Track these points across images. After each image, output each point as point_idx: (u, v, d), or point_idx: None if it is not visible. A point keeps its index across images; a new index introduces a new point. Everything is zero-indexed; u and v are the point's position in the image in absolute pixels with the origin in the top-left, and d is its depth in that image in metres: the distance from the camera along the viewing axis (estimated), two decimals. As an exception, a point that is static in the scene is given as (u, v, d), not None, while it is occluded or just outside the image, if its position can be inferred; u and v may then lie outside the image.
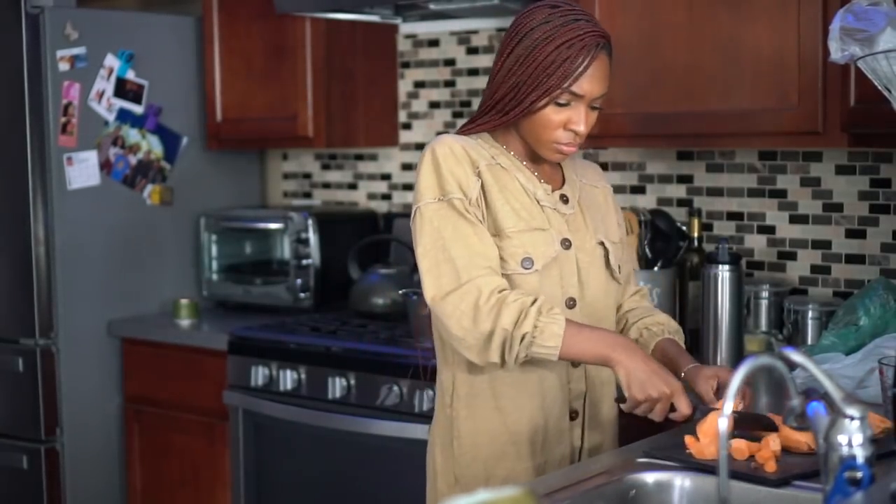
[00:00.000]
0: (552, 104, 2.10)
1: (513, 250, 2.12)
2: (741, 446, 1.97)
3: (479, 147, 2.18)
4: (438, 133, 3.84)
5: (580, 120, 2.11)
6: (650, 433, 2.19)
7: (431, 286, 2.09)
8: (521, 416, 2.17)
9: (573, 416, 2.22)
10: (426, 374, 2.34)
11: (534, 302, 2.05)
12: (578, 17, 2.12)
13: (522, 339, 2.03)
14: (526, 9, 2.17)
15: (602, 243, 2.24)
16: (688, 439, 2.00)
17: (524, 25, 2.13)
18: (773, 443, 1.98)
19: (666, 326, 2.30)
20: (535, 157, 2.22)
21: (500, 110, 2.16)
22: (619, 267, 2.28)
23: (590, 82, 2.10)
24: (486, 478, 2.18)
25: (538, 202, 2.18)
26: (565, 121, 2.12)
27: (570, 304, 2.18)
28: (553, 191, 2.21)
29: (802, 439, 2.00)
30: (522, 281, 2.12)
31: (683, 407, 2.05)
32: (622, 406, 2.10)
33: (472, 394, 2.18)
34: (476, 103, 3.74)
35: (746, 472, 1.91)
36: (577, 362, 2.17)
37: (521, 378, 2.16)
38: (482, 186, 2.13)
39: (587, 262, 2.21)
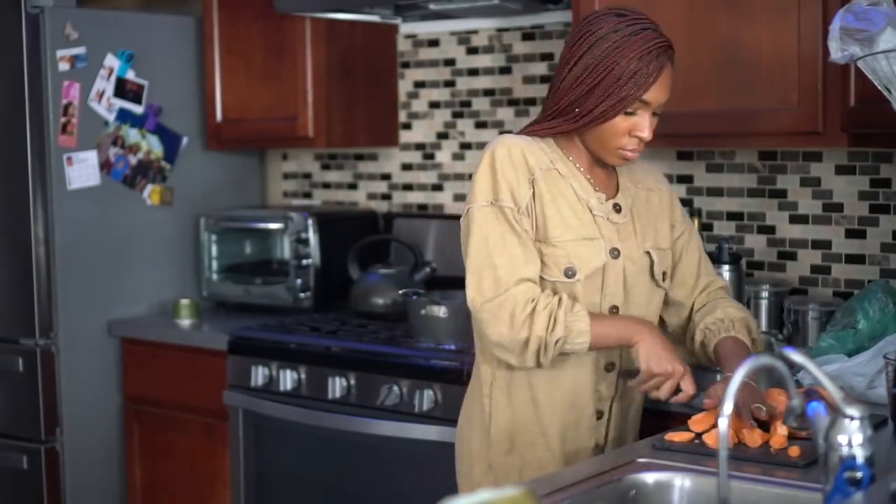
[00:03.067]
0: (621, 113, 2.17)
1: (557, 259, 2.21)
2: (753, 435, 2.01)
3: (539, 150, 2.24)
4: (438, 133, 3.84)
5: (646, 126, 2.20)
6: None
7: (473, 290, 2.20)
8: (554, 409, 2.27)
9: (598, 415, 2.31)
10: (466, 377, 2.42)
11: (559, 303, 2.16)
12: (646, 27, 2.19)
13: (556, 342, 2.16)
14: (590, 15, 2.23)
15: (648, 253, 2.31)
16: (692, 421, 2.09)
17: (592, 34, 2.18)
18: (780, 428, 2.05)
19: (725, 321, 2.35)
20: (593, 164, 2.29)
21: (569, 118, 2.21)
22: (665, 273, 2.35)
23: (658, 90, 2.17)
24: (521, 466, 2.29)
25: (590, 211, 2.25)
26: (631, 127, 2.19)
27: (613, 311, 2.27)
28: (607, 199, 2.28)
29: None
30: (565, 288, 2.22)
31: (688, 387, 2.19)
32: (630, 381, 2.24)
33: (511, 385, 2.28)
34: (476, 103, 3.74)
35: (771, 459, 1.96)
36: (607, 349, 2.26)
37: (555, 374, 2.26)
38: (534, 194, 2.20)
39: (633, 272, 2.29)
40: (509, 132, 2.30)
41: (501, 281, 2.17)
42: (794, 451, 1.99)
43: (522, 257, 2.18)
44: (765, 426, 2.09)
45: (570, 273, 2.20)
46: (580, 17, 3.03)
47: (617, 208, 2.29)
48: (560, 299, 2.17)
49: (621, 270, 2.26)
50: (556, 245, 2.20)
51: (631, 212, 2.31)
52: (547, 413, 2.27)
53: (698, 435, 2.09)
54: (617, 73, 2.14)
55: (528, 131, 2.28)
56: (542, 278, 2.21)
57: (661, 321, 2.42)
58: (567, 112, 2.21)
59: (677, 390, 2.20)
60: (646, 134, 2.19)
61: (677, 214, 2.41)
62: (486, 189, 2.20)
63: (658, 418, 2.39)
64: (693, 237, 2.43)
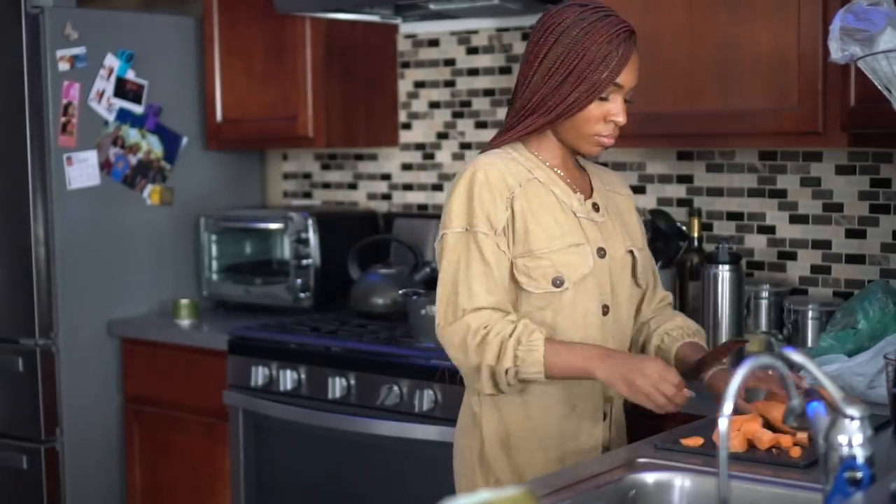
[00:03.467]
0: (596, 99, 2.18)
1: (544, 270, 2.21)
2: (763, 436, 2.01)
3: (515, 164, 2.24)
4: (438, 133, 3.84)
5: (619, 111, 2.21)
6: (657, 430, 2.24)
7: (439, 314, 2.23)
8: (551, 421, 2.26)
9: (604, 416, 2.31)
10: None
11: (512, 332, 2.15)
12: (608, 13, 2.21)
13: (506, 372, 2.15)
14: (552, 10, 2.24)
15: (631, 251, 2.32)
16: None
17: (557, 25, 2.20)
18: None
19: (685, 329, 2.37)
20: (566, 161, 2.29)
21: (543, 112, 2.21)
22: (642, 275, 2.36)
23: (629, 73, 2.20)
24: (517, 472, 2.27)
25: (574, 214, 2.25)
26: (605, 113, 2.20)
27: (605, 311, 2.27)
28: (585, 200, 2.29)
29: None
30: (554, 299, 2.21)
31: (671, 377, 2.10)
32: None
33: (501, 399, 2.27)
34: (476, 103, 3.74)
35: (771, 459, 1.97)
36: (566, 378, 2.22)
37: (547, 387, 2.24)
38: (513, 213, 2.20)
39: (618, 270, 2.30)
40: (477, 154, 2.30)
41: (459, 307, 2.18)
42: (796, 451, 1.99)
43: (485, 285, 2.18)
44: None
45: (558, 282, 2.20)
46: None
47: (595, 207, 2.30)
48: (515, 328, 2.15)
49: (608, 270, 2.27)
50: (541, 257, 2.20)
51: (607, 211, 2.32)
52: (541, 422, 2.26)
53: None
54: (588, 59, 2.16)
55: (501, 140, 2.28)
56: (529, 292, 2.21)
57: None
58: (540, 106, 2.21)
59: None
60: (620, 118, 2.21)
61: (640, 221, 2.45)
62: (460, 214, 2.21)
63: (655, 418, 2.37)
64: (647, 248, 2.44)
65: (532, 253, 2.20)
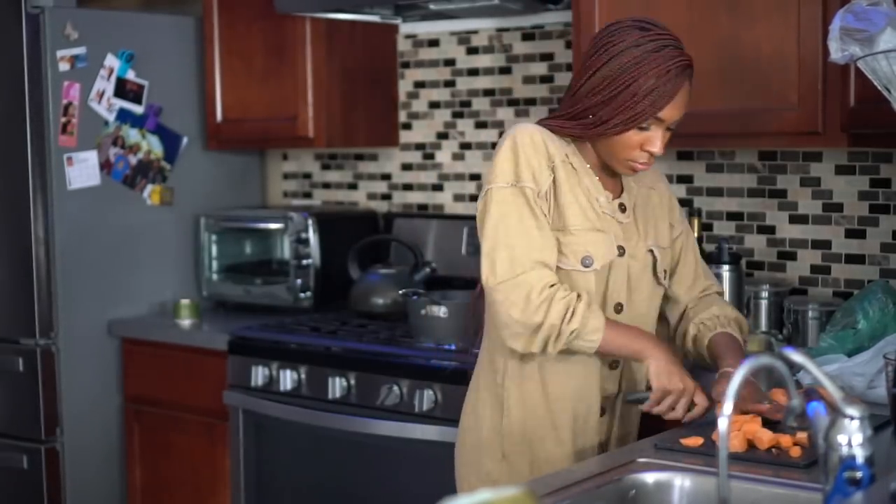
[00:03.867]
0: (635, 128, 2.17)
1: (575, 247, 2.21)
2: (763, 436, 2.01)
3: (557, 142, 2.24)
4: (438, 133, 3.84)
5: (657, 142, 2.19)
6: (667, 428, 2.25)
7: (487, 269, 2.19)
8: (564, 403, 2.28)
9: (602, 412, 2.32)
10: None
11: (578, 297, 2.16)
12: (667, 44, 2.18)
13: (571, 333, 2.15)
14: (614, 25, 2.22)
15: (651, 251, 2.32)
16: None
17: (613, 45, 2.18)
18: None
19: (721, 318, 2.38)
20: (601, 166, 2.29)
21: (583, 125, 2.22)
22: (666, 272, 2.36)
23: (674, 109, 2.18)
24: (531, 459, 2.29)
25: (600, 207, 2.25)
26: (643, 141, 2.19)
27: (618, 308, 2.28)
28: (613, 199, 2.29)
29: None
30: (580, 278, 2.22)
31: (702, 400, 2.19)
32: (642, 406, 2.24)
33: (523, 376, 2.28)
34: (476, 103, 3.74)
35: (771, 459, 1.97)
36: (612, 357, 2.27)
37: (567, 367, 2.26)
38: (554, 181, 2.20)
39: (637, 270, 2.30)
40: (517, 124, 2.30)
41: (517, 262, 2.15)
42: (796, 451, 1.99)
43: (540, 240, 2.17)
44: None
45: (587, 262, 2.21)
46: (580, 18, 3.03)
47: (622, 208, 2.30)
48: (579, 295, 2.17)
49: (626, 269, 2.28)
50: (574, 233, 2.20)
51: (634, 211, 2.32)
52: (558, 405, 2.27)
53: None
54: (634, 90, 2.14)
55: (544, 124, 2.28)
56: (558, 268, 2.21)
57: (661, 317, 2.43)
58: (581, 117, 2.21)
59: (690, 407, 2.21)
60: (657, 149, 2.19)
61: (676, 214, 2.43)
62: (507, 170, 2.19)
63: (658, 418, 2.39)
64: (690, 237, 2.45)
65: (566, 228, 2.20)
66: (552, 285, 2.15)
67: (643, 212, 2.34)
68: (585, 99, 2.20)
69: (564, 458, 2.27)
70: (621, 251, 2.26)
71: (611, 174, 2.31)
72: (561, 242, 2.20)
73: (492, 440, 2.31)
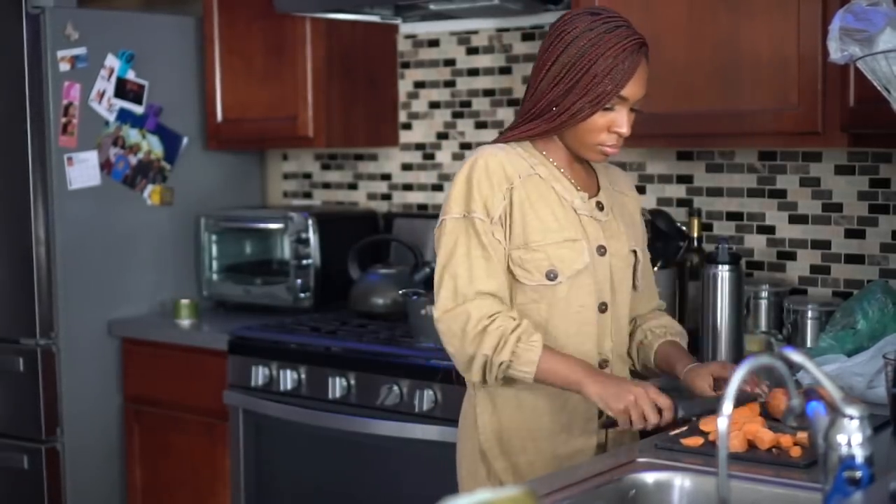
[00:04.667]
0: (599, 110, 2.18)
1: (538, 262, 2.22)
2: (764, 436, 2.01)
3: (518, 157, 2.26)
4: (438, 133, 3.84)
5: (624, 122, 2.21)
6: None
7: (437, 300, 2.23)
8: (542, 414, 2.28)
9: (600, 414, 2.30)
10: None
11: (514, 329, 2.17)
12: (619, 24, 2.21)
13: (500, 364, 2.17)
14: (565, 16, 2.25)
15: (634, 251, 2.34)
16: (703, 422, 2.11)
17: (567, 33, 2.21)
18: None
19: (668, 328, 2.40)
20: (572, 162, 2.31)
21: (548, 118, 2.23)
22: (638, 277, 2.37)
23: (635, 86, 2.19)
24: (513, 469, 2.29)
25: (575, 211, 2.26)
26: (609, 123, 2.21)
27: (603, 308, 2.28)
28: (589, 198, 2.30)
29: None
30: (549, 291, 2.23)
31: (661, 400, 2.13)
32: (616, 428, 2.20)
33: (497, 393, 2.29)
34: (476, 103, 3.75)
35: (771, 459, 1.97)
36: (551, 386, 2.24)
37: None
38: (511, 203, 2.22)
39: (620, 268, 2.31)
40: (480, 146, 2.31)
41: (459, 293, 2.19)
42: (796, 451, 1.99)
43: (485, 271, 2.20)
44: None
45: (551, 276, 2.22)
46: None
47: (600, 206, 2.31)
48: (518, 325, 2.17)
49: (608, 267, 2.28)
50: (536, 249, 2.22)
51: (612, 210, 2.33)
52: (534, 418, 2.27)
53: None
54: (594, 71, 2.16)
55: (506, 137, 2.30)
56: (523, 284, 2.23)
57: None
58: (545, 112, 2.23)
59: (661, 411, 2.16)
60: (624, 129, 2.21)
61: (643, 225, 2.45)
62: (459, 201, 2.23)
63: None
64: (647, 253, 2.45)
65: (528, 245, 2.22)
66: (490, 315, 2.18)
67: (620, 214, 2.35)
68: (547, 93, 2.21)
69: (546, 467, 2.26)
70: (602, 250, 2.27)
71: (585, 172, 2.32)
72: (524, 259, 2.22)
73: (475, 448, 2.32)
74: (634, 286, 2.36)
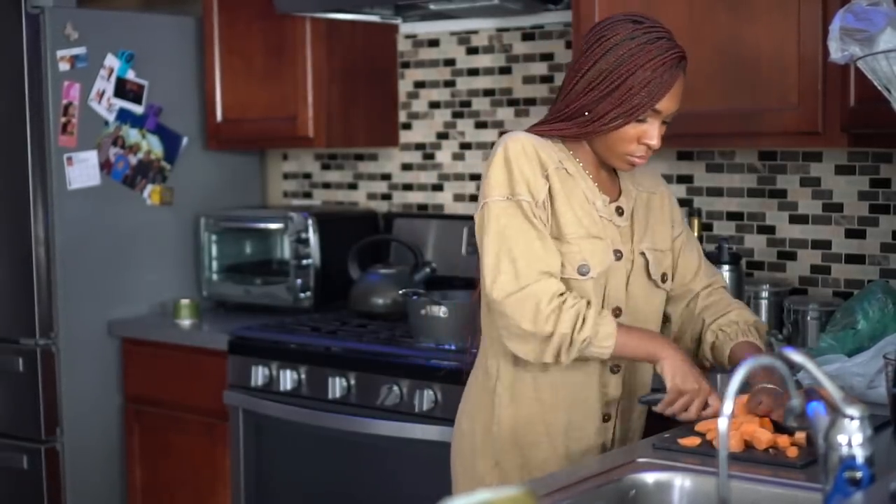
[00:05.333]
0: (633, 121, 2.17)
1: (572, 256, 2.20)
2: (761, 436, 2.01)
3: (549, 149, 2.23)
4: (438, 133, 3.84)
5: (655, 134, 2.19)
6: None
7: (491, 284, 2.17)
8: (558, 409, 2.27)
9: (605, 418, 2.31)
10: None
11: (588, 305, 2.16)
12: (661, 35, 2.18)
13: (583, 342, 2.14)
14: (606, 20, 2.22)
15: (643, 253, 2.31)
16: (700, 426, 2.11)
17: (607, 39, 2.17)
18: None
19: (740, 324, 2.35)
20: (598, 166, 2.29)
21: (580, 122, 2.21)
22: (664, 275, 2.34)
23: (670, 100, 2.17)
24: (523, 463, 2.28)
25: (597, 212, 2.25)
26: (640, 135, 2.19)
27: (617, 313, 2.27)
28: (610, 202, 2.28)
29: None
30: (577, 286, 2.21)
31: (716, 401, 2.16)
32: (655, 407, 2.21)
33: (515, 383, 2.28)
34: (476, 103, 3.74)
35: (771, 459, 1.97)
36: (624, 360, 2.26)
37: (560, 376, 2.25)
38: (549, 190, 2.19)
39: (634, 273, 2.29)
40: (507, 132, 2.29)
41: (522, 275, 2.14)
42: (793, 451, 1.99)
43: (542, 250, 2.16)
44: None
45: (583, 270, 2.20)
46: (580, 18, 3.03)
47: (619, 211, 2.29)
48: (588, 302, 2.16)
49: (623, 273, 2.27)
50: (570, 242, 2.19)
51: (631, 215, 2.31)
52: (551, 411, 2.27)
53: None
54: (631, 82, 2.13)
55: (536, 131, 2.27)
56: None
57: (665, 318, 2.42)
58: (577, 116, 2.20)
59: (704, 407, 2.18)
60: (654, 142, 2.19)
61: (676, 215, 2.42)
62: (501, 183, 2.18)
63: (660, 418, 2.39)
64: (691, 236, 2.44)
65: (563, 236, 2.19)
66: (560, 294, 2.14)
67: (642, 215, 2.33)
68: (581, 96, 2.19)
69: (558, 465, 2.26)
70: (618, 255, 2.25)
71: (608, 176, 2.30)
72: (559, 250, 2.20)
73: (485, 444, 2.31)
74: (656, 285, 2.32)
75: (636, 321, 2.29)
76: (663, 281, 2.34)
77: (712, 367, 2.39)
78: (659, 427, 2.31)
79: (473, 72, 3.76)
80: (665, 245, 2.35)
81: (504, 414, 2.28)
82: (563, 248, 2.19)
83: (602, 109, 2.16)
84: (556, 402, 2.26)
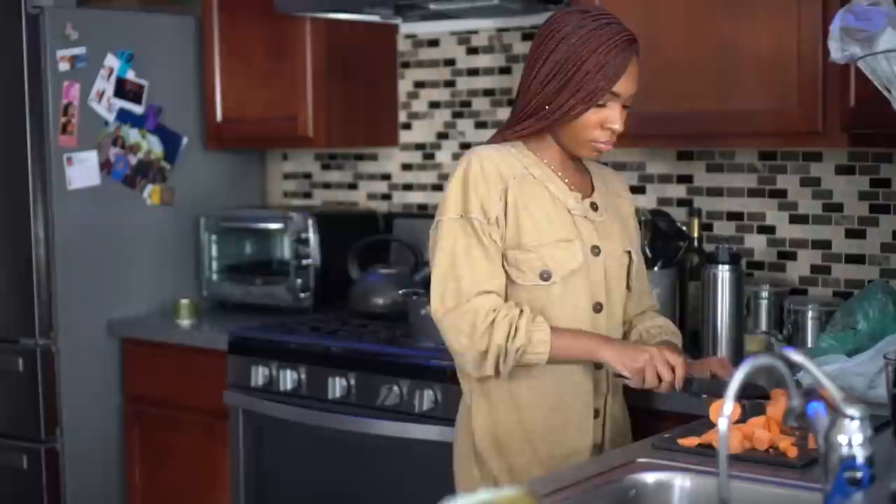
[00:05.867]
0: (592, 106, 2.19)
1: (532, 263, 2.23)
2: (762, 436, 2.01)
3: (512, 158, 2.26)
4: (438, 133, 3.84)
5: (617, 118, 2.22)
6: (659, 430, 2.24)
7: (436, 299, 2.23)
8: (536, 413, 2.28)
9: (596, 414, 2.32)
10: None
11: (520, 314, 2.18)
12: (610, 21, 2.22)
13: (517, 351, 2.17)
14: (555, 15, 2.25)
15: (629, 252, 2.34)
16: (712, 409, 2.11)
17: (558, 31, 2.21)
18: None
19: (664, 329, 2.41)
20: (566, 162, 2.31)
21: (541, 116, 2.23)
22: (631, 279, 2.37)
23: (627, 82, 2.20)
24: (508, 468, 2.29)
25: (569, 211, 2.26)
26: (602, 120, 2.22)
27: (598, 308, 2.29)
28: (583, 199, 2.30)
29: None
30: (542, 291, 2.23)
31: (673, 358, 2.19)
32: (630, 383, 2.22)
33: (490, 392, 2.29)
34: (476, 103, 3.74)
35: (770, 459, 1.97)
36: (566, 362, 2.26)
37: (535, 380, 2.27)
38: (506, 204, 2.22)
39: (615, 269, 2.32)
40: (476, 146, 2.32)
41: (463, 292, 2.19)
42: (792, 451, 1.99)
43: (487, 270, 2.21)
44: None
45: (545, 276, 2.22)
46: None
47: (594, 206, 2.31)
48: (521, 310, 2.19)
49: (602, 268, 2.28)
50: (529, 250, 2.22)
51: (606, 210, 2.33)
52: (529, 418, 2.28)
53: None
54: (586, 68, 2.17)
55: (499, 138, 2.30)
56: (517, 284, 2.23)
57: None
58: (538, 111, 2.23)
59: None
60: (617, 125, 2.22)
61: (635, 226, 2.46)
62: (456, 202, 2.23)
63: (652, 418, 2.39)
64: (640, 254, 2.45)
65: (521, 246, 2.22)
66: (494, 308, 2.18)
67: (615, 214, 2.36)
68: (540, 91, 2.22)
69: (541, 469, 2.27)
70: (596, 251, 2.27)
71: (578, 173, 2.32)
72: (518, 260, 2.23)
73: (471, 448, 2.33)
74: (628, 287, 2.36)
75: (615, 317, 2.33)
76: (629, 283, 2.37)
77: None
78: (653, 427, 2.31)
79: (473, 72, 3.75)
80: (637, 248, 2.40)
81: (483, 423, 2.30)
82: (522, 255, 2.22)
83: (561, 99, 2.20)
84: (534, 406, 2.28)
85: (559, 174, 2.29)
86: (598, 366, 2.30)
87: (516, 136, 2.28)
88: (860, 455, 1.51)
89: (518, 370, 2.24)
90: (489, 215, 2.21)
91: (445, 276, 2.21)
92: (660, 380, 2.19)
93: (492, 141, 2.32)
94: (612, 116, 2.21)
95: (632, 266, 2.35)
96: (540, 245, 2.22)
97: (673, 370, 2.18)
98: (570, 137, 2.24)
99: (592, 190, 2.34)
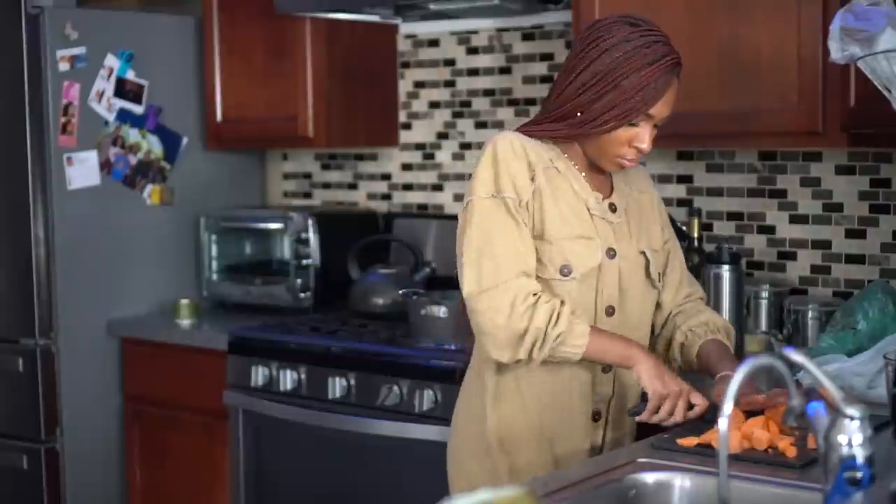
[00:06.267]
0: (625, 124, 2.16)
1: (553, 256, 2.19)
2: (761, 436, 2.01)
3: (539, 148, 2.23)
4: (438, 133, 3.84)
5: (646, 138, 2.18)
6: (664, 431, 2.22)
7: (470, 279, 2.16)
8: (544, 412, 2.26)
9: (596, 417, 2.30)
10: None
11: (563, 303, 2.15)
12: (657, 39, 2.16)
13: (556, 337, 2.13)
14: (602, 21, 2.20)
15: (644, 252, 2.30)
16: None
17: (603, 40, 2.16)
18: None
19: (710, 325, 2.36)
20: (589, 166, 2.28)
21: (571, 123, 2.20)
22: (660, 274, 2.34)
23: (664, 105, 2.16)
24: (510, 468, 2.27)
25: (588, 210, 2.24)
26: (632, 138, 2.18)
27: (609, 311, 2.26)
28: (603, 199, 2.27)
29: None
30: (560, 287, 2.20)
31: (699, 399, 2.17)
32: (640, 417, 2.20)
33: (499, 388, 2.27)
34: (476, 103, 3.74)
35: (770, 459, 1.97)
36: (598, 363, 2.24)
37: (546, 378, 2.25)
38: (535, 189, 2.18)
39: (629, 271, 2.28)
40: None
41: (502, 271, 2.14)
42: (792, 451, 1.99)
43: (522, 250, 2.16)
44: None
45: (565, 271, 2.19)
46: (580, 18, 3.03)
47: (612, 208, 2.28)
48: (563, 301, 2.16)
49: (617, 271, 2.26)
50: (552, 242, 2.19)
51: (625, 212, 2.30)
52: (536, 416, 2.26)
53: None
54: (626, 86, 2.12)
55: (526, 131, 2.26)
56: (537, 276, 2.19)
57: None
58: (569, 117, 2.19)
59: (690, 407, 2.19)
60: (646, 146, 2.18)
61: (664, 218, 2.43)
62: (488, 181, 2.17)
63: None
64: (676, 243, 2.44)
65: (545, 236, 2.19)
66: (535, 293, 2.14)
67: (635, 214, 2.33)
68: (574, 97, 2.17)
69: (544, 468, 2.25)
70: (612, 253, 2.24)
71: (599, 174, 2.30)
72: (539, 251, 2.19)
73: (476, 447, 2.31)
74: (653, 286, 2.33)
75: (629, 321, 2.28)
76: (658, 280, 2.34)
77: (680, 369, 2.39)
78: (652, 429, 2.31)
79: (473, 72, 3.76)
80: (658, 245, 2.36)
81: (491, 419, 2.28)
82: (544, 247, 2.19)
83: (595, 111, 2.16)
84: (542, 405, 2.26)
85: (582, 173, 2.26)
86: (605, 369, 2.28)
87: (544, 135, 2.24)
88: (860, 455, 1.51)
89: (534, 369, 2.21)
90: (521, 196, 2.17)
91: (481, 256, 2.15)
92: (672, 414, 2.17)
93: (518, 131, 2.27)
94: (641, 135, 2.17)
95: (650, 265, 2.31)
96: (562, 238, 2.19)
97: (689, 408, 2.17)
98: (596, 149, 2.21)
99: (611, 191, 2.31)
